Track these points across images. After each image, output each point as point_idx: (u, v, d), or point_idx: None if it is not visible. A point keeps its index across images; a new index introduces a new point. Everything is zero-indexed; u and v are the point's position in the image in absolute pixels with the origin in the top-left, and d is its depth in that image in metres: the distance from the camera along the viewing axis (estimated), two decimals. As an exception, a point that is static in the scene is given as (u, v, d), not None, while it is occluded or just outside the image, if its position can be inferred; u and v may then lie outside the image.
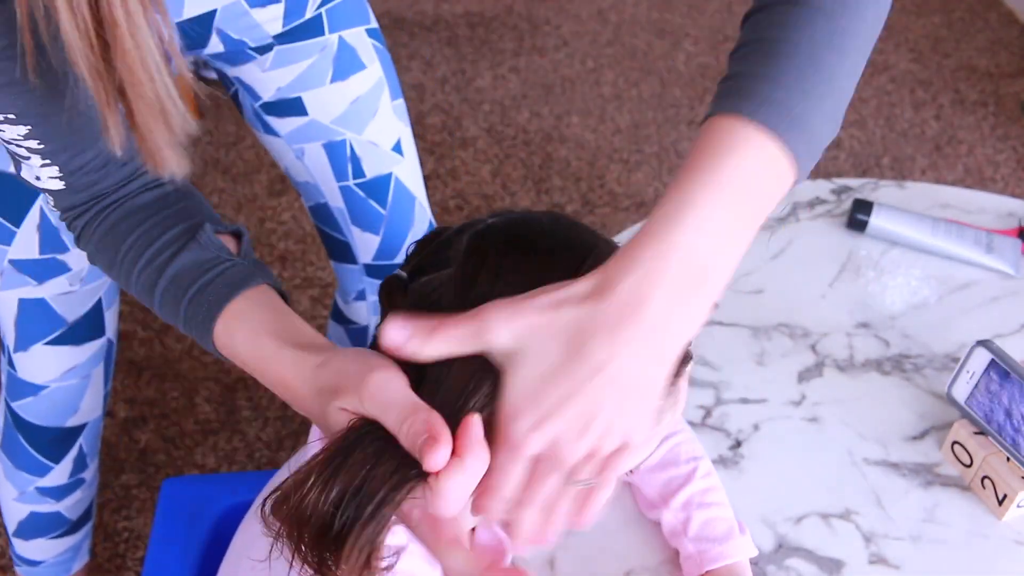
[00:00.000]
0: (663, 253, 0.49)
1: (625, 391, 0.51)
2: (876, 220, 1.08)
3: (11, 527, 1.26)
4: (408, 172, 1.06)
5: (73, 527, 1.29)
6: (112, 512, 1.61)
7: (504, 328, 0.50)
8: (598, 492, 0.53)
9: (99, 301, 1.03)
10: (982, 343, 0.84)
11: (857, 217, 1.09)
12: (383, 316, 0.60)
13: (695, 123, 2.43)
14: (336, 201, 1.06)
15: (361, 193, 1.04)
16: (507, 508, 0.52)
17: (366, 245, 1.09)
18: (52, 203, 0.68)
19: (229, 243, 0.67)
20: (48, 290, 0.97)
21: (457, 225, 0.62)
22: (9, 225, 0.91)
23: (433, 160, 2.32)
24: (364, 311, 1.20)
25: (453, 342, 0.51)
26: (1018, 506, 0.82)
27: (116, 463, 1.68)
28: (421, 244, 0.63)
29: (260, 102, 0.98)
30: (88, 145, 0.64)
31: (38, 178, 0.65)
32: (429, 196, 2.21)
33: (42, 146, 0.62)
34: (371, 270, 1.13)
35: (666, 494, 0.78)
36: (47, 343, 1.01)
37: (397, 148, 1.04)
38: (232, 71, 0.96)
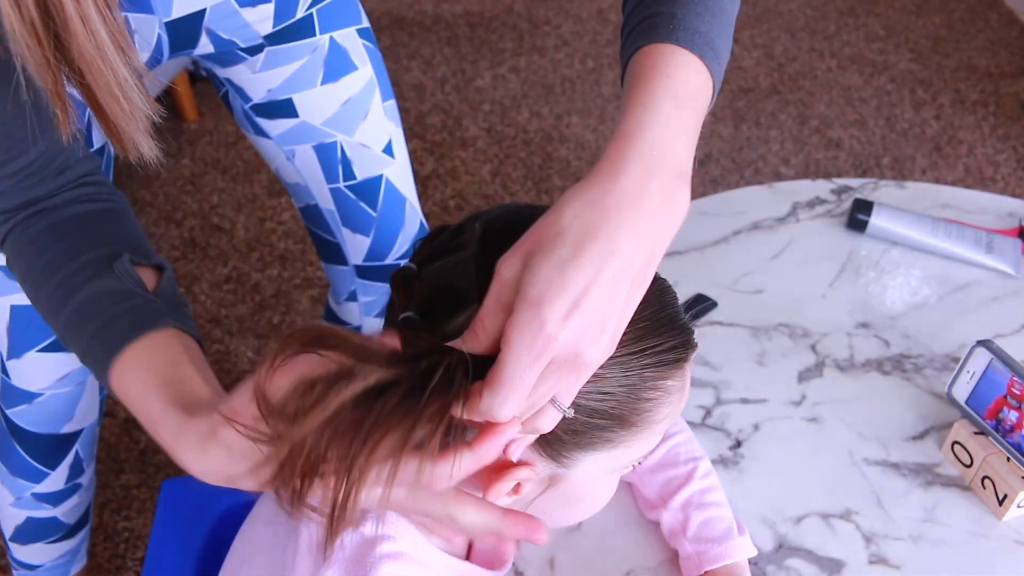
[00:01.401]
0: (648, 151, 0.53)
1: (634, 283, 0.51)
2: (876, 220, 1.08)
3: (8, 532, 1.26)
4: (399, 174, 1.06)
5: (70, 531, 1.29)
6: (112, 512, 1.61)
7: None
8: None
9: None
10: (982, 343, 0.84)
11: (857, 217, 1.09)
12: (397, 306, 0.60)
13: (695, 123, 2.43)
14: (327, 203, 1.05)
15: (352, 195, 1.04)
16: (521, 408, 0.50)
17: (357, 246, 1.09)
18: None
19: (149, 277, 0.66)
20: None
21: (460, 220, 0.62)
22: None
23: (433, 160, 2.32)
24: (356, 312, 1.20)
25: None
26: (1018, 506, 0.81)
27: (116, 463, 1.68)
28: (427, 239, 0.63)
29: (250, 104, 0.97)
30: (23, 151, 0.62)
31: None
32: (429, 196, 2.21)
33: None
34: (362, 271, 1.12)
35: (665, 494, 0.78)
36: (40, 350, 1.00)
37: (388, 150, 1.03)
38: (222, 72, 0.95)
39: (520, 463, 0.57)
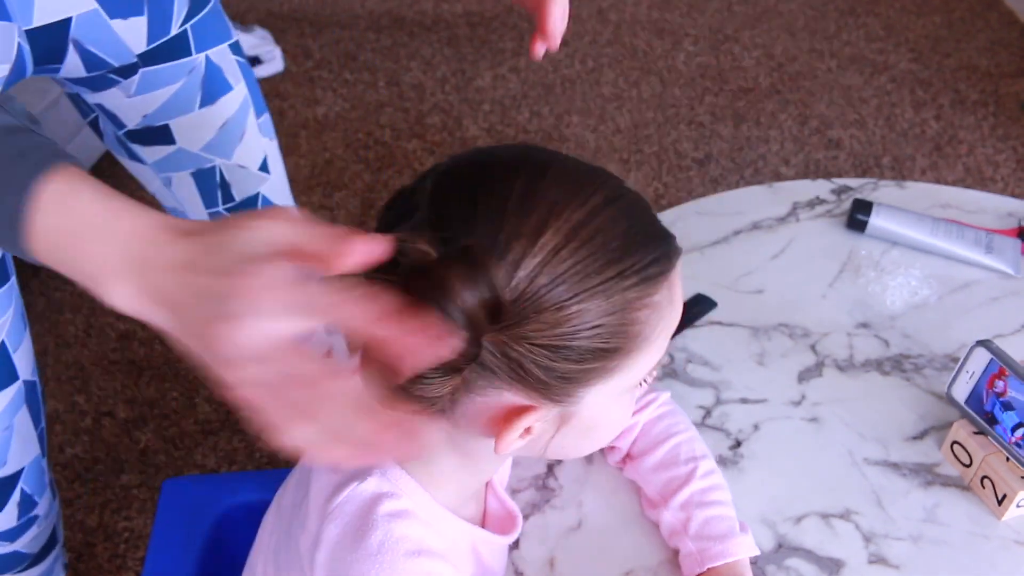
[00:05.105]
0: None
1: None
2: (876, 220, 1.08)
3: None
4: (275, 188, 1.05)
5: (36, 559, 1.20)
6: (112, 512, 1.61)
7: None
8: None
9: (2, 344, 0.90)
10: (982, 343, 0.84)
11: (857, 217, 1.09)
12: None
13: (695, 123, 2.43)
14: None
15: None
16: None
17: None
18: None
19: None
20: None
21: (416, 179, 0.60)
22: None
23: (433, 160, 2.32)
24: None
25: None
26: (1018, 506, 0.82)
27: (116, 463, 1.68)
28: (387, 205, 0.59)
29: (124, 130, 0.94)
30: None
31: None
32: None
33: None
34: None
35: (666, 494, 0.78)
36: None
37: (264, 167, 1.02)
38: (93, 98, 0.90)
39: (524, 408, 0.56)
